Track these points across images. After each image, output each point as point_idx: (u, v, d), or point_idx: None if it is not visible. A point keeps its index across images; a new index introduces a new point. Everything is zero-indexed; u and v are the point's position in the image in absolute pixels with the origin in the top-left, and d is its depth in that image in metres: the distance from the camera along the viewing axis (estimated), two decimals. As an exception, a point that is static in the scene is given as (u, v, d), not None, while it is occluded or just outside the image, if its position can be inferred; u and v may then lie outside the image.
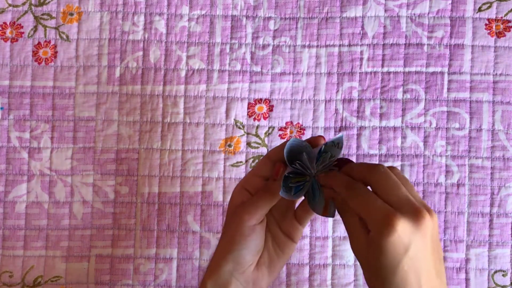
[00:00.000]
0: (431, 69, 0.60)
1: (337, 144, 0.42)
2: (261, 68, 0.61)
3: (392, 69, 0.60)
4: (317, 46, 0.61)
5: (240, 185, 0.46)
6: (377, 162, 0.59)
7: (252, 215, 0.44)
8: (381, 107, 0.60)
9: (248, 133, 0.61)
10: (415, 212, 0.36)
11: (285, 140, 0.60)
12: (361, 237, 0.38)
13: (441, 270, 0.38)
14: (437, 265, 0.38)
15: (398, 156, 0.60)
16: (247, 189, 0.46)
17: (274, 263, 0.46)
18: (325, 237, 0.60)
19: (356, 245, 0.39)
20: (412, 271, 0.36)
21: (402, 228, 0.36)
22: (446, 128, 0.60)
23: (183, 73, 0.61)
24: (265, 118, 0.61)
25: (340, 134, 0.42)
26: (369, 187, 0.40)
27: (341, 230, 0.60)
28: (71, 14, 0.61)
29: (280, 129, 0.61)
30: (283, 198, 0.43)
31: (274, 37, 0.61)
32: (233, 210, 0.46)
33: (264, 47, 0.61)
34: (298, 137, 0.44)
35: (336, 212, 0.43)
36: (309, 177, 0.43)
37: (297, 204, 0.48)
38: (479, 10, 0.60)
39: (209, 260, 0.60)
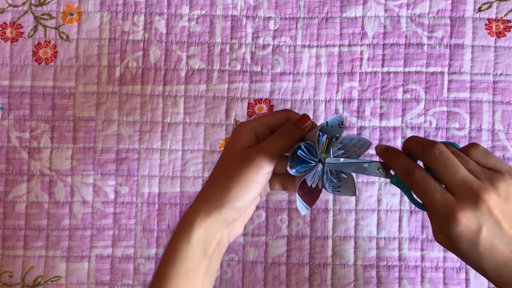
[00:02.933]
0: (431, 69, 0.60)
1: (340, 123, 0.41)
2: (261, 68, 0.61)
3: (392, 69, 0.60)
4: (317, 46, 0.61)
5: (249, 126, 0.43)
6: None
7: (271, 162, 0.41)
8: (381, 107, 0.60)
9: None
10: (473, 196, 0.36)
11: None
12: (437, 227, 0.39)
13: None
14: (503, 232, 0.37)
15: (398, 156, 0.60)
16: (256, 133, 0.43)
17: (253, 205, 0.45)
18: (325, 237, 0.60)
19: (436, 236, 0.39)
20: (494, 246, 0.37)
21: (466, 218, 0.36)
22: (446, 128, 0.60)
23: (183, 73, 0.61)
24: (265, 118, 0.61)
25: (340, 115, 0.41)
26: None
27: (341, 230, 0.60)
28: (71, 14, 0.61)
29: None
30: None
31: (274, 37, 0.61)
32: (241, 151, 0.42)
33: (264, 47, 0.61)
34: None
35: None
36: (318, 159, 0.41)
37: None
38: (479, 10, 0.60)
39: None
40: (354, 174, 0.42)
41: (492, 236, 0.37)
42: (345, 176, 0.42)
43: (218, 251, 0.42)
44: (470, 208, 0.36)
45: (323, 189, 0.43)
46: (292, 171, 0.41)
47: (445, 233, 0.38)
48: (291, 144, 0.41)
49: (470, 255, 0.37)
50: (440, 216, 0.37)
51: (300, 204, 0.42)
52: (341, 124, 0.41)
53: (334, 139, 0.41)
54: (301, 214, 0.43)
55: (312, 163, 0.41)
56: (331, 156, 0.41)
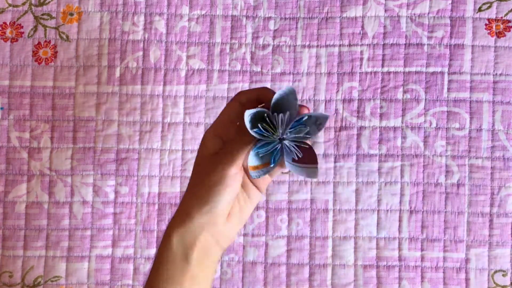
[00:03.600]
0: (431, 69, 0.60)
1: (319, 124, 0.40)
2: (261, 68, 0.61)
3: (392, 69, 0.60)
4: (317, 46, 0.61)
5: (212, 132, 0.44)
6: (377, 163, 0.59)
7: (234, 164, 0.41)
8: (381, 107, 0.60)
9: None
10: None
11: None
12: None
13: None
14: None
15: (398, 156, 0.60)
16: (220, 136, 0.43)
17: (244, 211, 0.44)
18: (325, 237, 0.60)
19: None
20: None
21: None
22: (446, 128, 0.60)
23: (183, 73, 0.61)
24: (265, 118, 0.61)
25: (326, 114, 0.40)
26: None
27: (341, 230, 0.60)
28: (71, 14, 0.61)
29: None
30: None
31: (274, 37, 0.61)
32: (209, 158, 0.43)
33: (264, 47, 0.61)
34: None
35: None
36: (277, 135, 0.40)
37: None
38: (479, 10, 0.60)
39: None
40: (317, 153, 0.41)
41: None
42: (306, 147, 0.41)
43: (205, 258, 0.42)
44: None
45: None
46: (253, 174, 0.41)
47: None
48: (250, 142, 0.41)
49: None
50: None
51: (300, 170, 0.41)
52: (321, 126, 0.40)
53: (306, 132, 0.40)
54: (312, 179, 0.42)
55: (268, 137, 0.40)
56: (281, 135, 0.40)
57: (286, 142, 0.40)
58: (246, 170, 0.43)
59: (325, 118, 0.40)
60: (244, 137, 0.41)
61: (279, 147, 0.41)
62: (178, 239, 0.42)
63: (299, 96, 0.61)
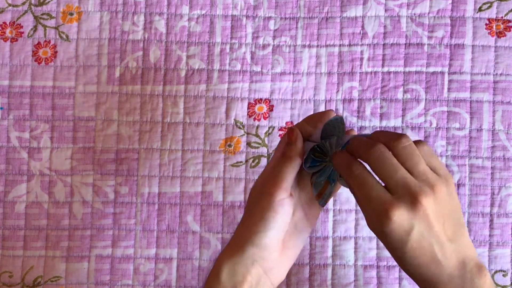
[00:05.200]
0: (431, 69, 0.60)
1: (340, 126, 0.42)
2: (261, 68, 0.61)
3: (392, 69, 0.60)
4: (317, 46, 0.61)
5: (268, 169, 0.44)
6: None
7: (278, 186, 0.40)
8: (381, 107, 0.60)
9: (248, 133, 0.61)
10: (411, 197, 0.37)
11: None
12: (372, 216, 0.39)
13: (456, 234, 0.39)
14: (449, 230, 0.38)
15: (398, 156, 0.60)
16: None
17: (296, 246, 0.43)
18: (325, 237, 0.60)
19: (367, 220, 0.39)
20: (421, 247, 0.37)
21: (399, 217, 0.36)
22: (446, 128, 0.60)
23: (183, 73, 0.61)
24: (265, 118, 0.61)
25: (369, 134, 0.42)
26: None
27: (341, 230, 0.60)
28: (71, 14, 0.61)
29: (280, 129, 0.61)
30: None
31: (274, 37, 0.61)
32: (258, 188, 0.42)
33: (264, 47, 0.61)
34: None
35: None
36: (328, 160, 0.43)
37: None
38: (480, 10, 0.60)
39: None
40: None
41: (421, 237, 0.37)
42: None
43: None
44: (405, 208, 0.37)
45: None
46: (307, 168, 0.42)
47: (376, 229, 0.38)
48: (292, 162, 0.42)
49: (397, 251, 0.38)
50: (373, 212, 0.37)
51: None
52: (341, 124, 0.42)
53: (336, 138, 0.42)
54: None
55: (322, 163, 0.43)
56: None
57: None
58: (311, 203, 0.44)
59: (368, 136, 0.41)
60: (289, 162, 0.42)
61: (331, 168, 0.42)
62: (227, 272, 0.40)
63: (299, 96, 0.61)
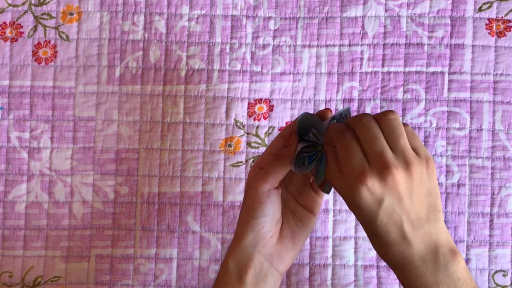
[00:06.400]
0: (431, 69, 0.60)
1: (345, 116, 0.43)
2: (261, 68, 0.61)
3: (392, 69, 0.60)
4: (317, 46, 0.61)
5: (255, 165, 0.47)
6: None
7: (264, 180, 0.44)
8: (381, 107, 0.60)
9: (248, 133, 0.61)
10: (382, 167, 0.38)
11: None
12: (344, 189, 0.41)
13: (432, 216, 0.39)
14: (421, 211, 0.39)
15: (398, 156, 0.60)
16: (260, 167, 0.46)
17: (296, 235, 0.46)
18: (325, 237, 0.60)
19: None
20: (392, 222, 0.38)
21: (371, 185, 0.38)
22: (446, 128, 0.60)
23: (183, 73, 0.61)
24: (265, 118, 0.61)
25: (347, 106, 0.42)
26: None
27: (341, 230, 0.60)
28: (71, 14, 0.61)
29: (280, 129, 0.61)
30: (298, 173, 0.44)
31: (274, 37, 0.61)
32: (248, 184, 0.46)
33: (264, 47, 0.61)
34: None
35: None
36: (321, 147, 0.44)
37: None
38: (480, 10, 0.60)
39: (209, 260, 0.60)
40: None
41: (392, 211, 0.38)
42: None
43: (260, 281, 0.44)
44: (377, 177, 0.38)
45: None
46: (298, 170, 0.43)
47: (350, 199, 0.39)
48: (283, 162, 0.44)
49: (369, 225, 0.39)
50: (350, 176, 0.39)
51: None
52: (347, 116, 0.43)
53: (316, 128, 0.44)
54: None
55: (316, 153, 0.44)
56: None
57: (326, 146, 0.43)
58: (315, 189, 0.46)
59: (347, 110, 0.42)
60: (282, 162, 0.44)
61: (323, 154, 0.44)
62: (233, 262, 0.44)
63: (299, 96, 0.61)
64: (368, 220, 0.39)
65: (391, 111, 0.40)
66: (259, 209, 0.43)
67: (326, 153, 0.42)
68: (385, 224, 0.38)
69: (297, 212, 0.46)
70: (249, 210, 0.44)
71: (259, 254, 0.44)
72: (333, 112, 0.45)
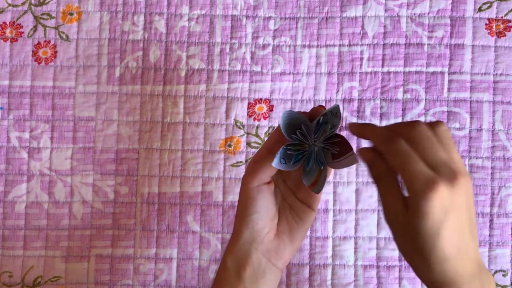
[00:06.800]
0: (431, 69, 0.60)
1: (335, 114, 0.42)
2: (261, 68, 0.61)
3: (392, 69, 0.60)
4: (317, 46, 0.61)
5: (251, 160, 0.46)
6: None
7: (253, 176, 0.43)
8: (381, 107, 0.60)
9: (248, 133, 0.61)
10: (453, 175, 0.36)
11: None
12: (398, 203, 0.38)
13: (474, 232, 0.38)
14: (472, 228, 0.38)
15: (398, 156, 0.60)
16: (254, 162, 0.45)
17: (295, 231, 0.46)
18: (325, 237, 0.60)
19: (391, 213, 0.38)
20: (454, 234, 0.36)
21: (443, 192, 0.35)
22: (446, 128, 0.60)
23: (183, 73, 0.61)
24: (265, 118, 0.61)
25: (335, 104, 0.42)
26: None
27: (341, 230, 0.60)
28: (71, 14, 0.61)
29: (280, 129, 0.61)
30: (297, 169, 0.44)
31: (274, 37, 0.61)
32: (242, 179, 0.46)
33: (264, 47, 0.61)
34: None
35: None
36: (308, 147, 0.43)
37: None
38: (479, 10, 0.60)
39: (209, 260, 0.60)
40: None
41: (456, 223, 0.36)
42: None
43: (259, 277, 0.44)
44: (446, 185, 0.36)
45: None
46: (281, 166, 0.42)
47: (412, 205, 0.36)
48: (271, 157, 0.43)
49: (430, 237, 0.36)
50: (418, 185, 0.36)
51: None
52: (338, 114, 0.42)
53: (330, 127, 0.43)
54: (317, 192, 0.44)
55: (303, 151, 0.43)
56: (313, 141, 0.43)
57: (319, 144, 0.43)
58: (285, 195, 0.46)
59: (337, 107, 0.42)
60: (264, 154, 0.44)
61: (317, 153, 0.43)
62: (231, 260, 0.44)
63: (299, 96, 0.61)
64: (430, 231, 0.36)
65: (442, 122, 0.39)
66: (251, 205, 0.43)
67: (369, 163, 0.40)
68: (449, 237, 0.36)
69: (296, 207, 0.46)
70: (242, 207, 0.44)
71: (257, 251, 0.44)
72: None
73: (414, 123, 0.38)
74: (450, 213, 0.36)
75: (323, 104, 0.60)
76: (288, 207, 0.46)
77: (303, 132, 0.43)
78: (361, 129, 0.41)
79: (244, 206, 0.44)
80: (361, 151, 0.41)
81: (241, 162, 0.60)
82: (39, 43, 0.61)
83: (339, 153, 0.43)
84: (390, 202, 0.38)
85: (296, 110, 0.60)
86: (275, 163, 0.42)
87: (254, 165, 0.44)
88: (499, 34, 0.60)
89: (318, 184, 0.43)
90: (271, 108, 0.61)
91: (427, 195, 0.35)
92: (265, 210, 0.44)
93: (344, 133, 0.60)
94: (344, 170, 0.60)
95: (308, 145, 0.43)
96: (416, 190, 0.36)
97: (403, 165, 0.37)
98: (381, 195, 0.39)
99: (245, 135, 0.61)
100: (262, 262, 0.44)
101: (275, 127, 0.60)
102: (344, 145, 0.43)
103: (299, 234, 0.46)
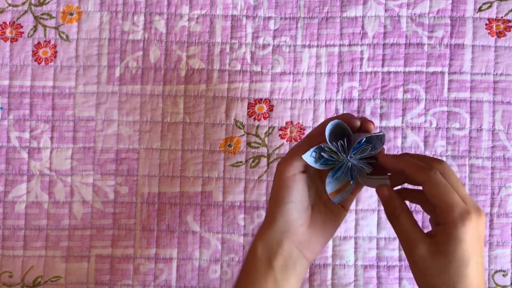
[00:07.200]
0: (431, 69, 0.60)
1: (380, 138, 0.43)
2: (261, 68, 0.61)
3: (392, 69, 0.60)
4: (317, 46, 0.61)
5: (290, 149, 0.47)
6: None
7: (288, 163, 0.43)
8: (381, 107, 0.60)
9: (248, 133, 0.61)
10: (478, 209, 0.39)
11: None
12: (422, 233, 0.40)
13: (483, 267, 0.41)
14: (483, 260, 0.41)
15: (398, 156, 0.60)
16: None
17: (327, 225, 0.46)
18: (325, 237, 0.60)
19: (415, 244, 0.40)
20: (480, 262, 0.39)
21: (475, 223, 0.38)
22: (446, 128, 0.60)
23: (183, 73, 0.61)
24: (265, 118, 0.61)
25: (382, 133, 0.42)
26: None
27: (341, 230, 0.60)
28: (71, 14, 0.61)
29: (280, 129, 0.61)
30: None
31: (274, 37, 0.61)
32: (276, 168, 0.46)
33: (264, 47, 0.61)
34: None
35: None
36: (342, 159, 0.43)
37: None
38: (479, 10, 0.60)
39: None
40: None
41: (481, 251, 0.39)
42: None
43: (289, 267, 0.44)
44: (476, 217, 0.39)
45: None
46: (309, 160, 0.42)
47: (448, 236, 0.39)
48: (309, 147, 0.43)
49: (461, 267, 0.38)
50: (456, 213, 0.38)
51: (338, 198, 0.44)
52: (382, 140, 0.43)
53: (370, 149, 0.43)
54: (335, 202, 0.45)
55: (333, 163, 0.44)
56: (349, 155, 0.43)
57: (354, 161, 0.43)
58: (321, 190, 0.46)
59: (383, 135, 0.42)
60: (302, 145, 0.44)
61: (350, 167, 0.43)
62: (262, 247, 0.44)
63: (299, 96, 0.61)
64: (463, 259, 0.38)
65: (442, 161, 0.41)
66: (286, 194, 0.43)
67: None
68: (478, 264, 0.39)
69: (329, 203, 0.46)
70: (276, 196, 0.44)
71: (289, 240, 0.44)
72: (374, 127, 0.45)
73: (441, 160, 0.41)
74: (479, 241, 0.39)
75: (323, 104, 0.60)
76: (323, 202, 0.46)
77: (344, 145, 0.43)
78: (395, 161, 0.42)
79: (279, 195, 0.44)
80: (379, 188, 0.43)
81: (241, 162, 0.60)
82: (39, 43, 0.61)
83: (372, 173, 0.44)
84: (413, 234, 0.41)
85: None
86: (306, 156, 0.42)
87: (291, 154, 0.44)
88: (499, 34, 0.60)
89: (340, 195, 0.44)
90: (271, 108, 0.61)
91: (465, 222, 0.38)
92: (299, 200, 0.44)
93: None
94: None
95: (343, 157, 0.43)
96: (454, 218, 0.38)
97: (442, 195, 0.39)
98: (402, 229, 0.41)
99: (245, 135, 0.61)
100: (294, 252, 0.44)
101: (275, 128, 0.60)
102: (380, 168, 0.44)
103: (331, 228, 0.46)
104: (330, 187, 0.44)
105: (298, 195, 0.44)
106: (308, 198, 0.45)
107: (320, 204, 0.46)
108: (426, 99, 0.60)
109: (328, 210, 0.46)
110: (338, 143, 0.43)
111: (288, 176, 0.43)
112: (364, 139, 0.42)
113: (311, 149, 0.42)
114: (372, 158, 0.44)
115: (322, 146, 0.43)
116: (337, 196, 0.44)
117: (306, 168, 0.44)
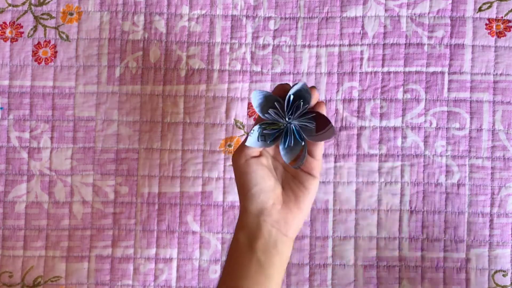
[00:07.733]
0: (431, 69, 0.60)
1: (305, 89, 0.43)
2: (261, 68, 0.61)
3: (392, 69, 0.60)
4: (317, 46, 0.61)
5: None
6: (377, 162, 0.59)
7: (239, 152, 0.45)
8: (381, 107, 0.60)
9: (248, 133, 0.61)
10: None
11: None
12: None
13: None
14: None
15: (398, 156, 0.60)
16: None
17: (301, 199, 0.46)
18: (325, 237, 0.60)
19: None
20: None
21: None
22: (446, 128, 0.60)
23: (183, 73, 0.61)
24: (265, 118, 0.61)
25: (302, 81, 0.43)
26: None
27: (341, 230, 0.60)
28: (71, 14, 0.61)
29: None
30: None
31: (274, 37, 0.61)
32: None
33: (264, 47, 0.61)
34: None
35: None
36: (284, 125, 0.45)
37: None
38: (480, 10, 0.60)
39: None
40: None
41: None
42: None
43: (271, 248, 0.45)
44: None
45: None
46: (255, 144, 0.44)
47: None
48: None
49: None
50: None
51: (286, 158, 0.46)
52: (307, 89, 0.44)
53: (302, 103, 0.44)
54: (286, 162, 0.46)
55: (279, 127, 0.45)
56: (287, 118, 0.45)
57: (295, 121, 0.44)
58: (285, 166, 0.48)
59: (304, 84, 0.43)
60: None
61: (294, 130, 0.45)
62: (243, 235, 0.46)
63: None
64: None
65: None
66: (247, 180, 0.45)
67: None
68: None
69: (298, 176, 0.47)
70: (239, 185, 0.46)
71: (265, 223, 0.45)
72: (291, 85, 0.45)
73: None
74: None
75: (324, 103, 0.60)
76: (291, 177, 0.47)
77: (277, 110, 0.44)
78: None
79: (240, 183, 0.46)
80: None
81: (241, 162, 0.60)
82: (39, 43, 0.61)
83: (318, 128, 0.45)
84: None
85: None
86: (250, 142, 0.44)
87: (241, 143, 0.46)
88: (499, 34, 0.60)
89: (298, 160, 0.45)
90: (271, 108, 0.61)
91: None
92: (263, 182, 0.45)
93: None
94: (344, 170, 0.60)
95: (283, 123, 0.44)
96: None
97: None
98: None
99: (245, 135, 0.61)
100: (273, 232, 0.45)
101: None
102: (321, 119, 0.44)
103: (306, 201, 0.47)
104: (287, 157, 0.45)
105: (259, 178, 0.45)
106: (272, 178, 0.46)
107: (289, 180, 0.47)
108: (426, 99, 0.60)
109: (299, 183, 0.46)
110: (270, 111, 0.44)
111: (241, 164, 0.45)
112: (292, 96, 0.43)
113: (251, 135, 0.44)
114: (311, 113, 0.45)
115: (260, 125, 0.44)
116: (296, 163, 0.45)
117: (263, 152, 0.46)
